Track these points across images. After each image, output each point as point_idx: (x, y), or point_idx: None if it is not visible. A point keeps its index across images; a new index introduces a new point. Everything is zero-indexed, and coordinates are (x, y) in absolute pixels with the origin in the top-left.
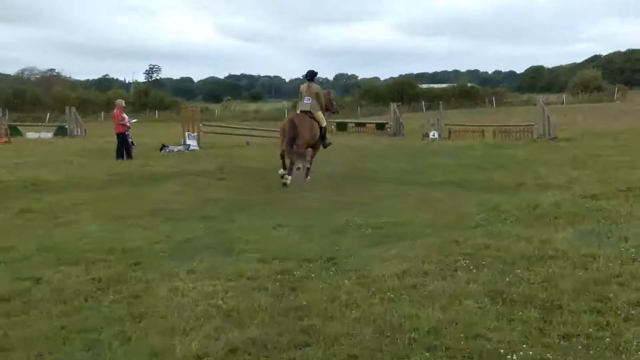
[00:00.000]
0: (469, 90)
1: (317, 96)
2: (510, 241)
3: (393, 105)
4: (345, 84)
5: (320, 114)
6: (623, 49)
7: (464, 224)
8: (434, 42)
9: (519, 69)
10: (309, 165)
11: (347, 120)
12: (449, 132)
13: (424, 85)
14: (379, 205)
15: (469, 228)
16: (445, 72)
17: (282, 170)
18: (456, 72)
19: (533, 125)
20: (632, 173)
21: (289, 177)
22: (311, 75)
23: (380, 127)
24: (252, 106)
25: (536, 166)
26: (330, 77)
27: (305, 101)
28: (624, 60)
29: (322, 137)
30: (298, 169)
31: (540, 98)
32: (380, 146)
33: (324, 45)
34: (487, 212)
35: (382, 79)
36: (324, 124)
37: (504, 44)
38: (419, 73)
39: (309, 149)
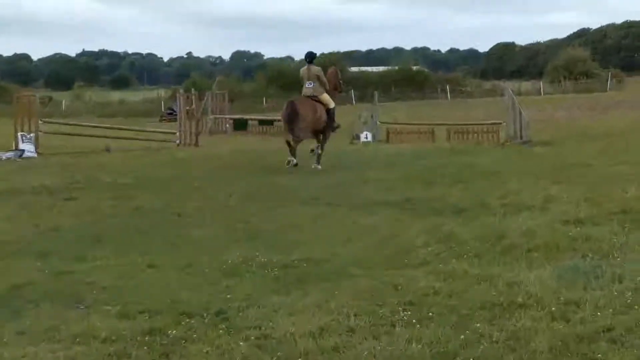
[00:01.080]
0: (414, 75)
1: (318, 78)
2: (468, 284)
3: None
4: (246, 65)
5: (326, 96)
6: (618, 21)
7: (405, 260)
8: (368, 9)
9: (482, 46)
10: (320, 152)
11: (247, 117)
12: (388, 132)
13: (354, 68)
14: (291, 235)
15: (412, 266)
16: (383, 51)
17: (289, 157)
18: (398, 50)
19: (500, 123)
20: (629, 189)
21: (294, 159)
22: (311, 57)
23: (266, 123)
24: (115, 95)
25: (504, 180)
26: (226, 56)
27: (307, 86)
28: (619, 35)
29: (331, 119)
30: (312, 150)
31: (510, 86)
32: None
33: (218, 14)
34: (437, 243)
35: (296, 59)
36: (332, 105)
37: (462, 12)
38: (347, 51)
39: (319, 134)
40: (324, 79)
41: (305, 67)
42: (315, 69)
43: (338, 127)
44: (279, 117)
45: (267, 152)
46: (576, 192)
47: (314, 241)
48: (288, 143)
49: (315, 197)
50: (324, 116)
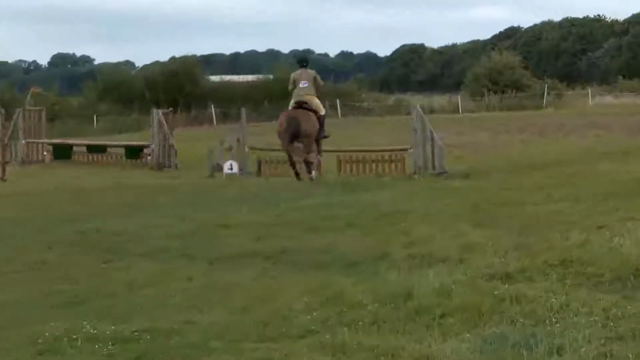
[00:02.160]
0: None
1: (314, 80)
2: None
3: (156, 113)
4: (70, 72)
5: (317, 101)
6: (556, 18)
7: (282, 329)
8: (233, 1)
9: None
10: (314, 160)
11: (72, 141)
12: (259, 162)
13: (215, 77)
14: (131, 298)
15: (291, 337)
16: (252, 54)
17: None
18: (273, 54)
19: (407, 150)
20: (571, 235)
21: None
22: (306, 61)
23: (133, 153)
24: None
25: (411, 223)
26: (43, 61)
27: (302, 85)
28: (558, 37)
29: (322, 127)
30: (311, 178)
31: (419, 102)
32: (131, 190)
33: (31, 5)
34: (322, 306)
35: (137, 64)
36: (323, 112)
37: (356, 6)
38: (205, 55)
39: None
40: (320, 82)
41: (299, 71)
42: (312, 72)
43: (327, 136)
44: (115, 142)
45: (98, 188)
46: (504, 239)
47: (161, 306)
48: (289, 157)
49: (165, 248)
50: (317, 125)
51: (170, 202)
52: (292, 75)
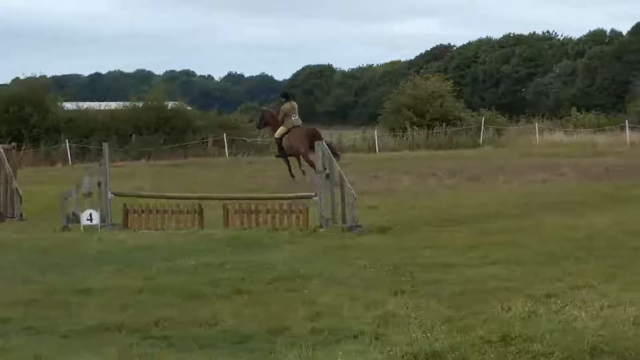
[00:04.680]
0: (170, 116)
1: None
2: None
3: None
4: None
5: None
6: (496, 34)
7: None
8: (93, 11)
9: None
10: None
11: None
12: (126, 211)
13: (69, 104)
14: None
15: None
16: (118, 75)
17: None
18: (143, 75)
19: (311, 197)
20: (512, 304)
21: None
22: (292, 95)
23: None
24: None
25: (315, 289)
26: None
27: (294, 117)
28: (498, 57)
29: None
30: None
31: (326, 137)
32: None
33: None
34: None
35: None
36: None
37: (248, 18)
38: (56, 76)
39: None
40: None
41: (288, 103)
42: (295, 104)
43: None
44: None
45: None
46: (430, 309)
47: None
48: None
49: (4, 319)
50: None
51: (12, 262)
52: (284, 107)
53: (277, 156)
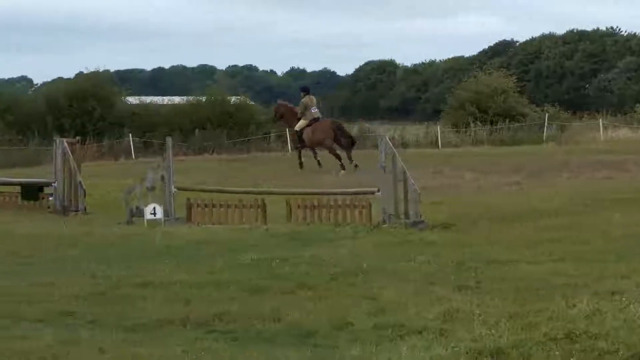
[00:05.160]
0: (233, 110)
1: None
2: None
3: (60, 144)
4: None
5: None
6: (559, 30)
7: None
8: (159, 5)
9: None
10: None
11: None
12: (189, 205)
13: (132, 99)
14: None
15: None
16: (181, 70)
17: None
18: (206, 69)
19: (373, 192)
20: (577, 301)
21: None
22: (309, 89)
23: (30, 193)
24: None
25: (377, 285)
26: None
27: (313, 110)
28: (561, 53)
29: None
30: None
31: (388, 133)
32: (27, 239)
33: None
34: None
35: (35, 82)
36: None
37: (309, 13)
38: (122, 71)
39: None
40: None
41: (307, 97)
42: (314, 97)
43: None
44: (8, 179)
45: None
46: (494, 305)
47: None
48: (332, 150)
49: (69, 312)
50: None
51: (76, 255)
52: (304, 100)
53: (296, 147)
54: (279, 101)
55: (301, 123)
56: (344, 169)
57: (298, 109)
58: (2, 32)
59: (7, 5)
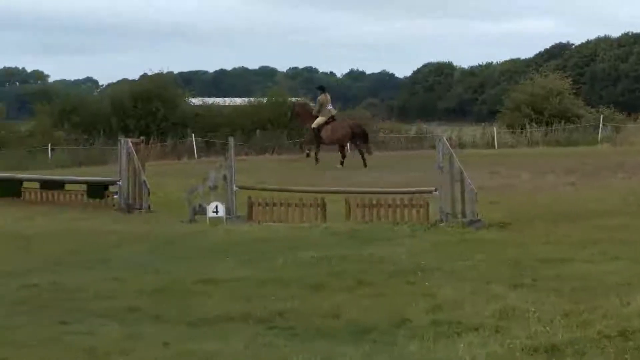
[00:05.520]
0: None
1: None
2: None
3: (125, 143)
4: (16, 90)
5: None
6: (615, 33)
7: None
8: (215, 5)
9: (400, 69)
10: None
11: (20, 175)
12: (250, 204)
13: (196, 100)
14: None
15: None
16: (243, 72)
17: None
18: (268, 71)
19: (431, 191)
20: (631, 299)
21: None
22: (324, 88)
23: (96, 191)
24: None
25: (434, 283)
26: None
27: (329, 107)
28: (617, 56)
29: None
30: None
31: (446, 134)
32: (93, 236)
33: None
34: None
35: (101, 83)
36: None
37: (374, 17)
38: (185, 72)
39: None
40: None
41: (323, 95)
42: (329, 96)
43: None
44: (74, 178)
45: (52, 233)
46: (550, 303)
47: None
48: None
49: (134, 308)
50: None
51: (140, 252)
52: (320, 98)
53: (307, 144)
54: (294, 99)
55: (319, 120)
56: (342, 164)
57: (314, 107)
58: (70, 35)
59: (80, 7)
